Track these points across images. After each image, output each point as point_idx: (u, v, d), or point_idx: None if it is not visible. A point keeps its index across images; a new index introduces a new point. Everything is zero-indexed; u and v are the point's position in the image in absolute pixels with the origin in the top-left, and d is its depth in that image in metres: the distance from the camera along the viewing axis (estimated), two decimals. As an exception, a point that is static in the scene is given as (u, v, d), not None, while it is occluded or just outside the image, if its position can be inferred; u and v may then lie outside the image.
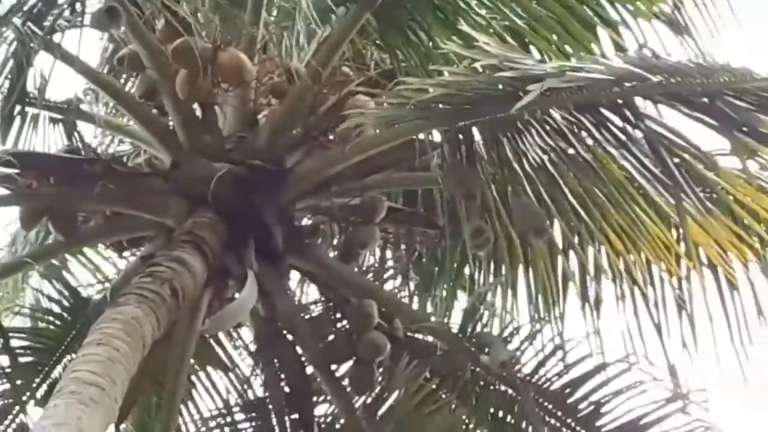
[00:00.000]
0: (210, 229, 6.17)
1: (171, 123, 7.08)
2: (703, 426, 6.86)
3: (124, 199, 6.66)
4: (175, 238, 6.09)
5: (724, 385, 6.70)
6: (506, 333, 7.28)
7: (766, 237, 6.42)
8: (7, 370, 7.33)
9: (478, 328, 7.27)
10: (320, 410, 7.54)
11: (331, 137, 7.02)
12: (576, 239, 6.92)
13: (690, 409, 6.87)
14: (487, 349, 7.03)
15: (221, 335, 7.80)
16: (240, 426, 7.66)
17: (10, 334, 7.51)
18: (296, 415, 7.43)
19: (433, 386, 7.34)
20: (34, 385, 7.48)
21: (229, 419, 7.73)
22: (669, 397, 6.91)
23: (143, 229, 6.74)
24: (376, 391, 7.34)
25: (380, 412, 7.40)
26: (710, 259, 6.47)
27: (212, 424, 7.75)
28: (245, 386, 7.82)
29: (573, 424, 7.10)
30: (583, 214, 6.13)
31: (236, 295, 6.23)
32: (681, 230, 6.13)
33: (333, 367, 7.32)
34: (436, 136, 6.18)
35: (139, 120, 7.15)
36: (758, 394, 6.76)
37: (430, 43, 7.31)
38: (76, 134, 7.95)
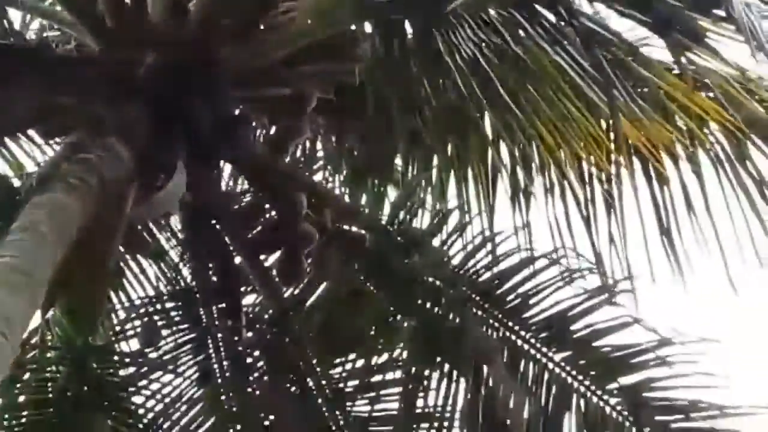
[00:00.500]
0: (139, 117, 6.09)
1: (100, 9, 6.95)
2: (630, 318, 6.97)
3: (52, 86, 6.55)
4: (103, 126, 6.01)
5: (652, 278, 6.79)
6: (435, 225, 7.32)
7: (697, 132, 6.48)
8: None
9: (408, 220, 7.31)
10: (248, 300, 7.56)
11: (263, 27, 6.92)
12: (507, 134, 6.94)
13: (617, 301, 6.98)
14: (415, 245, 7.08)
15: (150, 224, 7.75)
16: (169, 314, 7.66)
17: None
18: (223, 305, 7.45)
19: (362, 278, 7.38)
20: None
21: (158, 306, 7.72)
22: (596, 289, 7.01)
23: (71, 117, 6.65)
24: (305, 282, 7.36)
25: (308, 303, 7.44)
26: (640, 154, 6.53)
27: (141, 311, 7.74)
28: (174, 274, 7.82)
29: (500, 316, 7.18)
30: (514, 108, 6.14)
31: (165, 185, 6.18)
32: (612, 125, 6.18)
33: (261, 257, 7.32)
34: (369, 29, 6.14)
35: (66, 5, 7.00)
36: (686, 286, 6.86)
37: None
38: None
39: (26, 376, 7.63)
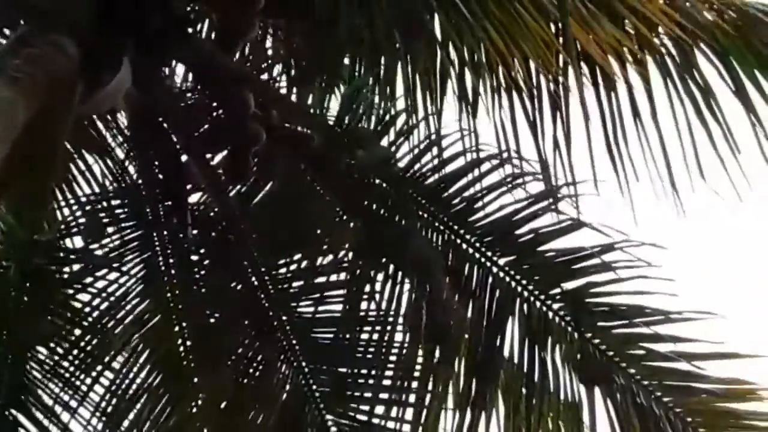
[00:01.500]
0: (86, 12, 6.00)
1: None
2: (573, 222, 7.02)
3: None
4: (49, 22, 5.92)
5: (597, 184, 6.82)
6: (382, 126, 7.31)
7: (648, 36, 6.48)
8: None
9: (354, 121, 7.30)
10: (194, 198, 7.55)
11: None
12: (457, 36, 6.91)
13: (561, 207, 7.02)
14: (361, 144, 7.08)
15: (97, 120, 7.68)
16: (115, 211, 7.63)
17: None
18: (169, 203, 7.43)
19: (308, 178, 7.37)
20: None
21: (104, 204, 7.69)
22: (541, 193, 7.04)
23: (17, 11, 6.54)
24: (251, 181, 7.35)
25: (254, 202, 7.44)
26: (588, 57, 6.53)
27: (87, 208, 7.70)
28: (120, 172, 7.77)
29: (446, 219, 7.20)
30: (462, 8, 6.10)
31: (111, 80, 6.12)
32: (562, 29, 6.16)
33: (208, 156, 7.29)
34: None
35: None
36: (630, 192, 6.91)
37: None
38: None
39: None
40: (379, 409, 7.29)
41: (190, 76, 7.47)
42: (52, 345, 7.56)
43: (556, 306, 7.11)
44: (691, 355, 6.89)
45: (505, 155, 7.04)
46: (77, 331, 7.56)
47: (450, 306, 6.97)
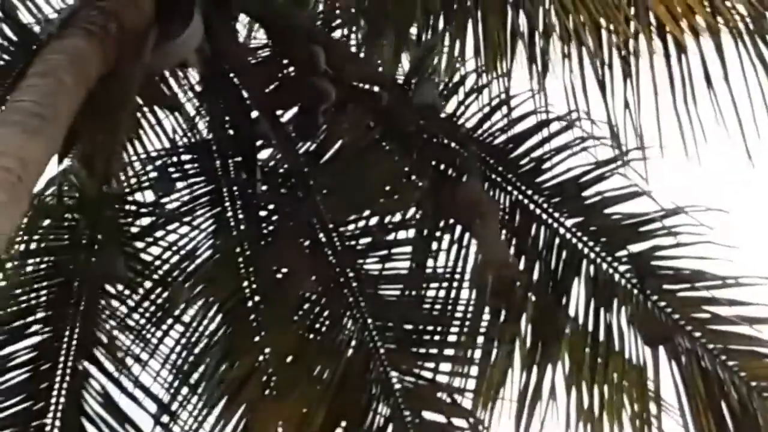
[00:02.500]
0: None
1: None
2: (639, 188, 7.00)
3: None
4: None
5: (664, 148, 6.79)
6: (451, 85, 7.32)
7: (720, 5, 6.43)
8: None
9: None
10: (263, 155, 7.61)
11: None
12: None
13: (627, 171, 7.00)
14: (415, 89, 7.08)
15: (167, 75, 7.75)
16: (185, 166, 7.72)
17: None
18: (239, 158, 7.50)
19: (377, 136, 7.40)
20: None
21: (174, 159, 7.77)
22: (611, 158, 7.02)
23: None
24: (320, 138, 7.40)
25: (323, 159, 7.48)
26: (660, 23, 6.49)
27: (157, 163, 7.80)
28: (190, 127, 7.85)
29: (513, 179, 7.20)
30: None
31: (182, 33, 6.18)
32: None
33: (278, 112, 7.35)
34: None
35: None
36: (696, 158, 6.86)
37: None
38: None
39: (45, 222, 7.72)
40: (444, 367, 7.31)
41: (262, 32, 7.52)
42: (123, 298, 7.64)
43: (622, 268, 7.08)
44: (755, 319, 6.84)
45: (573, 118, 7.03)
46: (147, 284, 7.63)
47: (516, 264, 6.97)
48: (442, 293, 7.33)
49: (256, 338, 7.40)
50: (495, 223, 6.90)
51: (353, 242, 7.42)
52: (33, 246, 7.69)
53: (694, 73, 6.79)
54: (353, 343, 7.30)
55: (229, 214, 7.53)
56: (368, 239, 7.45)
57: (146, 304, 7.63)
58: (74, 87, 4.98)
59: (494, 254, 6.78)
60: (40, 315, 7.51)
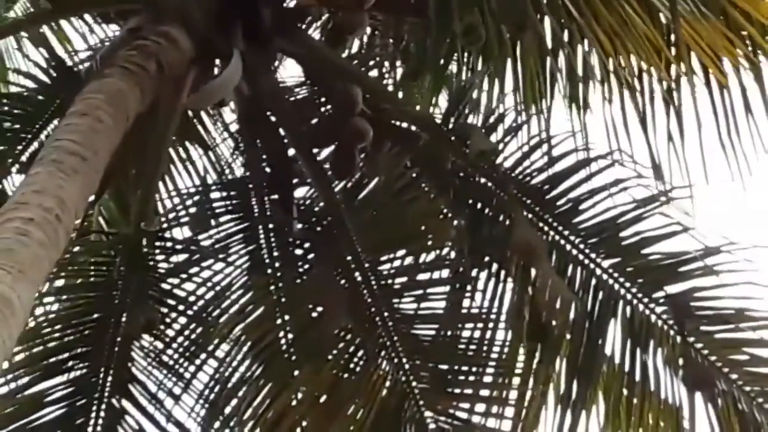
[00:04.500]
0: (198, 5, 6.09)
1: None
2: (682, 227, 6.95)
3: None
4: (163, 13, 6.01)
5: (708, 187, 6.78)
6: (489, 124, 7.31)
7: (759, 39, 6.42)
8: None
9: (462, 119, 7.30)
10: (299, 193, 7.60)
11: None
12: (566, 38, 6.90)
13: (670, 210, 6.96)
14: (468, 138, 7.07)
15: (204, 115, 7.79)
16: (217, 204, 7.72)
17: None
18: (275, 196, 7.50)
19: (414, 175, 7.39)
20: (17, 151, 7.47)
21: (210, 195, 7.78)
22: (650, 197, 6.99)
23: (132, 2, 6.64)
24: (356, 176, 7.39)
25: (359, 198, 7.47)
26: (701, 62, 6.48)
27: (193, 200, 7.81)
28: (225, 165, 7.88)
29: (550, 220, 7.17)
30: (574, 12, 6.09)
31: (222, 72, 6.20)
32: (673, 33, 6.12)
33: (314, 150, 7.35)
34: None
35: None
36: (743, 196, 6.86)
37: None
38: None
39: (81, 259, 7.74)
40: (479, 407, 7.26)
41: (300, 71, 7.54)
42: (157, 334, 7.64)
43: (659, 309, 7.03)
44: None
45: (612, 156, 7.02)
46: (182, 320, 7.63)
47: (553, 305, 6.93)
48: (477, 333, 7.28)
49: (290, 376, 7.37)
50: (549, 265, 6.89)
51: (389, 281, 7.38)
52: (70, 282, 7.72)
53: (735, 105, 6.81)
54: (388, 383, 7.26)
55: (264, 251, 7.52)
56: (404, 278, 7.41)
57: (180, 339, 7.61)
58: (113, 127, 4.99)
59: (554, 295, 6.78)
60: (76, 351, 7.50)
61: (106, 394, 7.43)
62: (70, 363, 7.47)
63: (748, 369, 6.93)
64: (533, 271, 7.01)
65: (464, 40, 6.51)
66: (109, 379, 7.45)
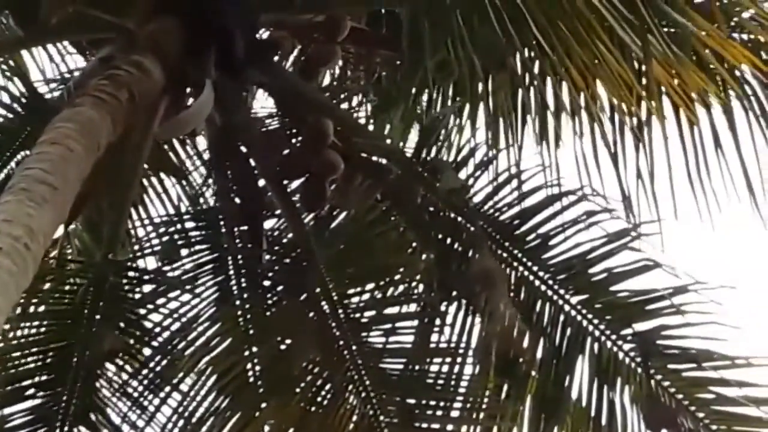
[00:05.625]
0: (171, 35, 6.06)
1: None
2: (651, 262, 6.97)
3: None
4: (135, 42, 5.99)
5: (678, 222, 6.82)
6: (460, 159, 7.31)
7: (729, 79, 6.48)
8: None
9: (433, 153, 7.30)
10: (269, 224, 7.57)
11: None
12: (537, 71, 6.92)
13: (640, 245, 6.99)
14: (439, 175, 7.08)
15: (176, 143, 7.76)
16: (190, 234, 7.69)
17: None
18: (245, 227, 7.47)
19: (384, 208, 7.38)
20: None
21: (179, 226, 7.75)
22: (620, 231, 7.01)
23: (104, 31, 6.62)
24: (326, 208, 7.37)
25: (329, 230, 7.45)
26: (671, 99, 6.52)
27: (162, 230, 7.77)
28: (197, 195, 7.84)
29: (520, 255, 7.17)
30: (546, 47, 6.11)
31: (193, 102, 6.18)
32: (644, 72, 6.15)
33: (285, 182, 7.33)
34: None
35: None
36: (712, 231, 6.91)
37: None
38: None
39: (46, 286, 7.68)
40: (446, 442, 7.24)
41: (271, 102, 7.53)
42: (121, 364, 7.59)
43: (626, 346, 7.04)
44: (761, 400, 6.79)
45: (582, 192, 7.04)
46: (147, 351, 7.58)
47: (521, 341, 6.92)
48: (445, 368, 7.26)
49: (257, 409, 7.33)
50: (505, 295, 6.87)
51: (357, 314, 7.36)
52: (35, 309, 7.66)
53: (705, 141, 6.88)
54: (355, 416, 7.24)
55: (233, 282, 7.49)
56: (372, 312, 7.39)
57: (145, 371, 7.56)
58: (83, 155, 4.94)
59: (501, 326, 6.75)
60: (39, 378, 7.44)
61: (68, 423, 7.37)
62: (33, 390, 7.41)
63: (715, 408, 6.94)
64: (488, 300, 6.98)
65: (436, 74, 6.52)
66: (72, 408, 7.39)
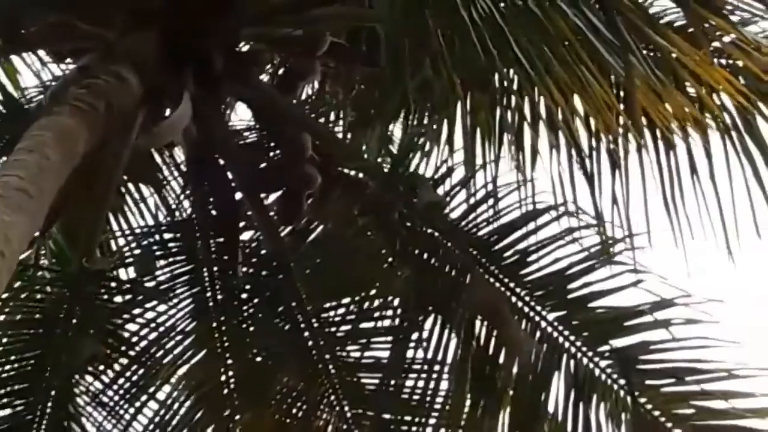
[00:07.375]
0: (150, 46, 6.06)
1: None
2: (628, 281, 6.99)
3: (68, 7, 6.51)
4: (114, 53, 5.99)
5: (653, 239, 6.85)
6: (438, 175, 7.33)
7: (709, 102, 6.52)
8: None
9: (411, 169, 7.32)
10: (245, 236, 7.57)
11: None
12: (516, 88, 6.95)
13: (616, 262, 7.00)
14: (417, 190, 7.09)
15: (154, 153, 7.76)
16: (167, 244, 7.68)
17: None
18: (221, 239, 7.47)
19: (361, 223, 7.38)
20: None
21: (157, 237, 7.74)
22: (596, 248, 7.03)
23: (84, 41, 6.61)
24: (303, 222, 7.37)
25: (305, 244, 7.45)
26: (649, 118, 6.56)
27: (139, 239, 7.75)
28: (175, 206, 7.84)
29: (497, 272, 7.18)
30: (527, 66, 6.13)
31: (171, 114, 6.18)
32: (625, 91, 6.19)
33: (262, 195, 7.33)
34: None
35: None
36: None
37: None
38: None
39: (23, 295, 7.66)
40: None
41: (249, 115, 7.53)
42: (97, 373, 7.57)
43: (603, 363, 7.05)
44: (750, 411, 6.80)
45: (560, 209, 7.06)
46: (123, 361, 7.57)
47: (496, 358, 6.94)
48: (421, 383, 7.26)
49: (232, 421, 7.32)
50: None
51: (333, 328, 7.36)
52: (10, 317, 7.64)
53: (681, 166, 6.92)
54: (330, 430, 7.23)
55: (209, 294, 7.49)
56: (348, 326, 7.39)
57: (121, 381, 7.55)
58: (60, 164, 4.94)
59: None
60: (14, 387, 7.42)
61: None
62: (6, 400, 7.38)
63: (694, 423, 6.94)
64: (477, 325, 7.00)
65: (416, 92, 6.53)
66: (47, 417, 7.38)
